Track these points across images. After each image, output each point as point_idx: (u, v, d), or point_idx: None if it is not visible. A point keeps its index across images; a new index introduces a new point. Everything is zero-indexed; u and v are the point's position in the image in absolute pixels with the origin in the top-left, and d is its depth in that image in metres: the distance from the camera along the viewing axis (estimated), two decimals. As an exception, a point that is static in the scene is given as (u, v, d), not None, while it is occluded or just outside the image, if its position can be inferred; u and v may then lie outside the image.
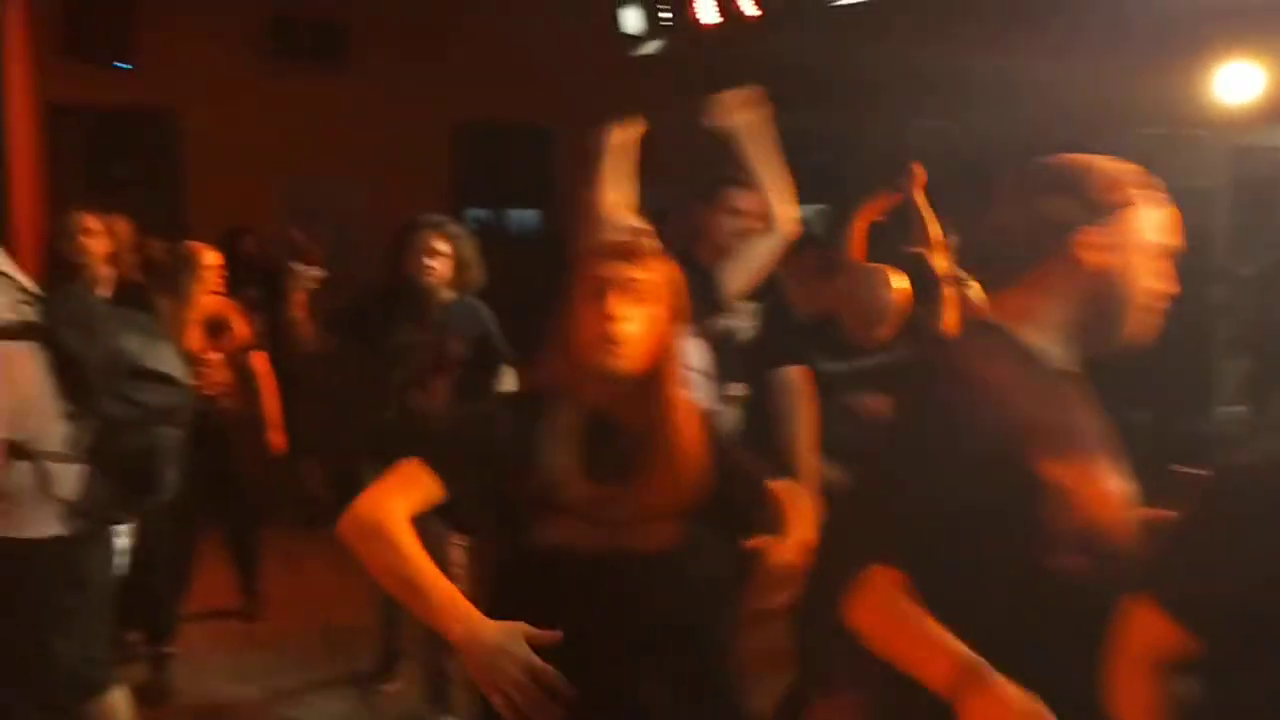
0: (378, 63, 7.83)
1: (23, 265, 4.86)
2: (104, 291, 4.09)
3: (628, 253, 1.97)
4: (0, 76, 5.22)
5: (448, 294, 3.89)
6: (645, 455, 1.91)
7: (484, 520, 2.01)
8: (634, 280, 1.92)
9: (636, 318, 1.90)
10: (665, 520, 1.92)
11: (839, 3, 5.31)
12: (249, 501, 5.01)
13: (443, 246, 3.87)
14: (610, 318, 1.88)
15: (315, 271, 4.17)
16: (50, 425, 2.55)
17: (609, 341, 1.88)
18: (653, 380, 1.94)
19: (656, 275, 1.96)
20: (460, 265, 3.92)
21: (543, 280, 6.22)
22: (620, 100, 8.03)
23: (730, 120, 3.49)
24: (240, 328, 4.73)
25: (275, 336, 5.98)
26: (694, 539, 1.94)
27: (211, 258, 4.64)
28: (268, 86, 7.61)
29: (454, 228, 3.99)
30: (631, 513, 1.89)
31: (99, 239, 4.20)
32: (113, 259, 4.36)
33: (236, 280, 5.81)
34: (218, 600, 4.95)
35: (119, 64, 6.76)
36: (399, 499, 1.88)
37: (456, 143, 8.40)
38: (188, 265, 4.52)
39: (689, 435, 1.95)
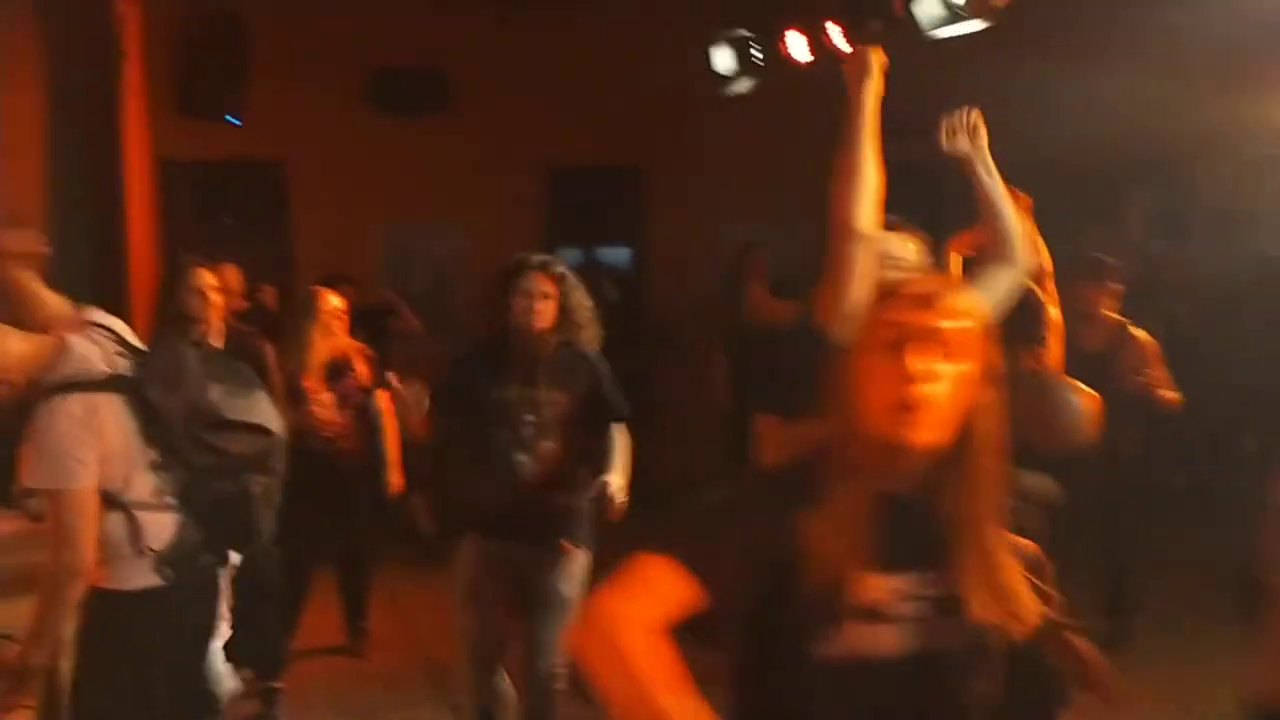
0: (475, 109, 8.00)
1: (137, 312, 5.09)
2: (216, 341, 4.20)
3: (931, 296, 1.57)
4: (119, 134, 5.48)
5: (554, 342, 3.55)
6: (956, 540, 1.57)
7: (742, 630, 1.59)
8: (941, 331, 1.54)
9: (944, 377, 1.53)
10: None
11: (938, 34, 5.24)
12: (362, 541, 5.10)
13: (547, 289, 3.53)
14: (911, 378, 1.52)
15: (415, 392, 3.80)
16: (139, 475, 2.62)
17: (909, 408, 1.52)
18: (962, 452, 1.57)
19: (968, 322, 1.57)
20: (566, 310, 3.57)
21: (635, 319, 6.21)
22: (712, 139, 8.14)
23: (961, 144, 3.05)
24: (362, 369, 4.85)
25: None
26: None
27: (334, 301, 4.80)
28: (370, 136, 7.83)
29: (560, 268, 3.63)
30: (946, 606, 1.56)
31: (214, 293, 4.33)
32: (224, 309, 4.50)
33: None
34: (325, 637, 5.04)
35: (230, 119, 7.01)
36: (646, 610, 1.51)
37: (551, 185, 8.53)
38: (309, 309, 4.70)
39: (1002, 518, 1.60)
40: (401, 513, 6.18)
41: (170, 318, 4.30)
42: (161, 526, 2.65)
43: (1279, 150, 8.30)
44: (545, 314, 3.51)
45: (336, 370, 4.75)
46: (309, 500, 4.23)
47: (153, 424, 2.61)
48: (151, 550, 2.64)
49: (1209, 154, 8.68)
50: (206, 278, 4.33)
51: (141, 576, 2.65)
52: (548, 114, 8.01)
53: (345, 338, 4.91)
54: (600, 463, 3.60)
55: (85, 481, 2.51)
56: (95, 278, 5.68)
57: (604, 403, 3.63)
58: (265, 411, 2.83)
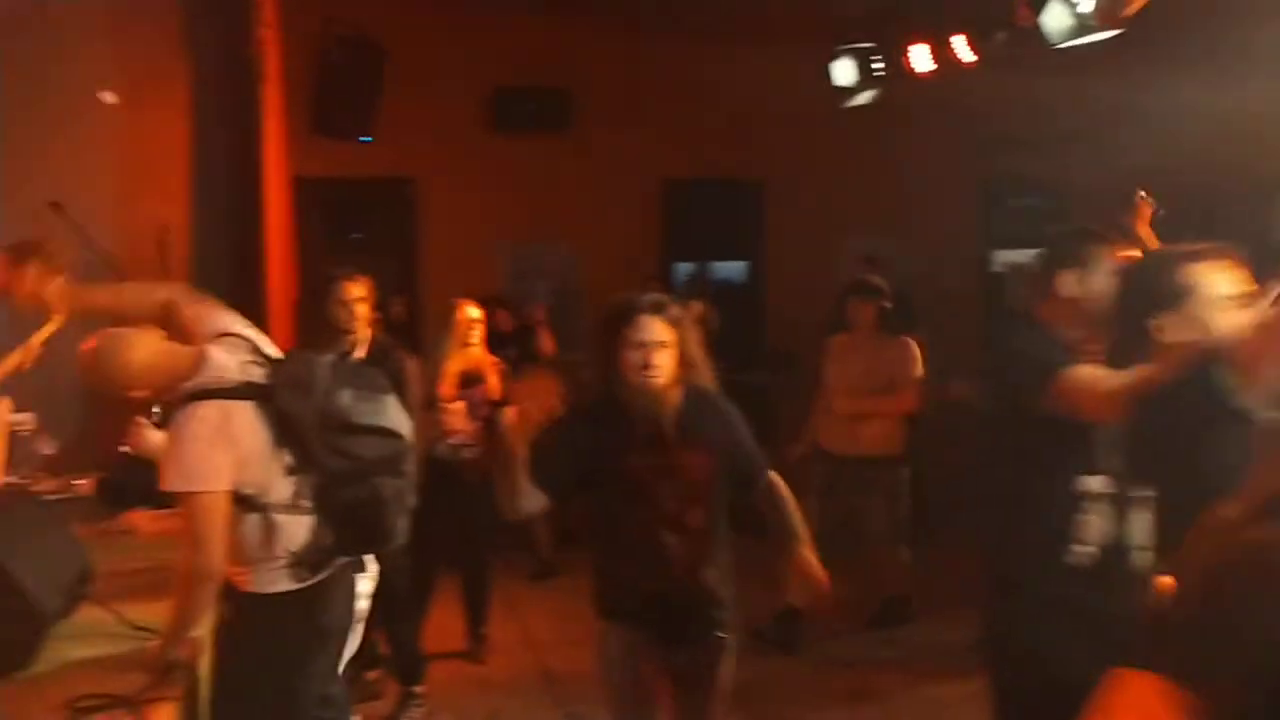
0: (597, 127, 8.11)
1: (274, 320, 5.30)
2: (360, 351, 4.31)
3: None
4: (258, 152, 5.72)
5: (675, 394, 2.97)
6: None
7: None
8: None
9: None
10: None
11: (1064, 45, 5.14)
12: (483, 549, 5.21)
13: (664, 335, 2.93)
14: None
15: None
16: (275, 479, 2.71)
17: None
18: None
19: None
20: (686, 355, 2.99)
21: (751, 336, 6.18)
22: (832, 152, 8.10)
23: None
24: (493, 381, 4.98)
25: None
26: None
27: (471, 313, 4.97)
28: (494, 154, 8.01)
29: (675, 310, 3.03)
30: None
31: (360, 304, 4.44)
32: (371, 320, 4.60)
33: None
34: (446, 643, 5.15)
35: (362, 139, 7.25)
36: None
37: (669, 200, 8.59)
38: (447, 320, 4.87)
39: None
40: (525, 533, 6.33)
41: (319, 328, 4.43)
42: (298, 529, 2.74)
43: None
44: (664, 366, 2.92)
45: (469, 380, 4.88)
46: (434, 506, 4.35)
47: (285, 430, 2.70)
48: (288, 552, 2.73)
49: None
50: (353, 290, 4.43)
51: (279, 578, 2.75)
52: (668, 130, 8.08)
53: (481, 349, 5.05)
54: (759, 526, 3.13)
55: (218, 485, 2.61)
56: (234, 287, 5.94)
57: (747, 455, 3.09)
58: (394, 416, 2.89)
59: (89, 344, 2.71)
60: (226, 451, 2.61)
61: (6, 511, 2.92)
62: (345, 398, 2.79)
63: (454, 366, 4.94)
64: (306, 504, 2.75)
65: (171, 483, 2.60)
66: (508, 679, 5.03)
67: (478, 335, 5.06)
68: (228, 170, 5.85)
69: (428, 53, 7.65)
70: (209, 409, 2.63)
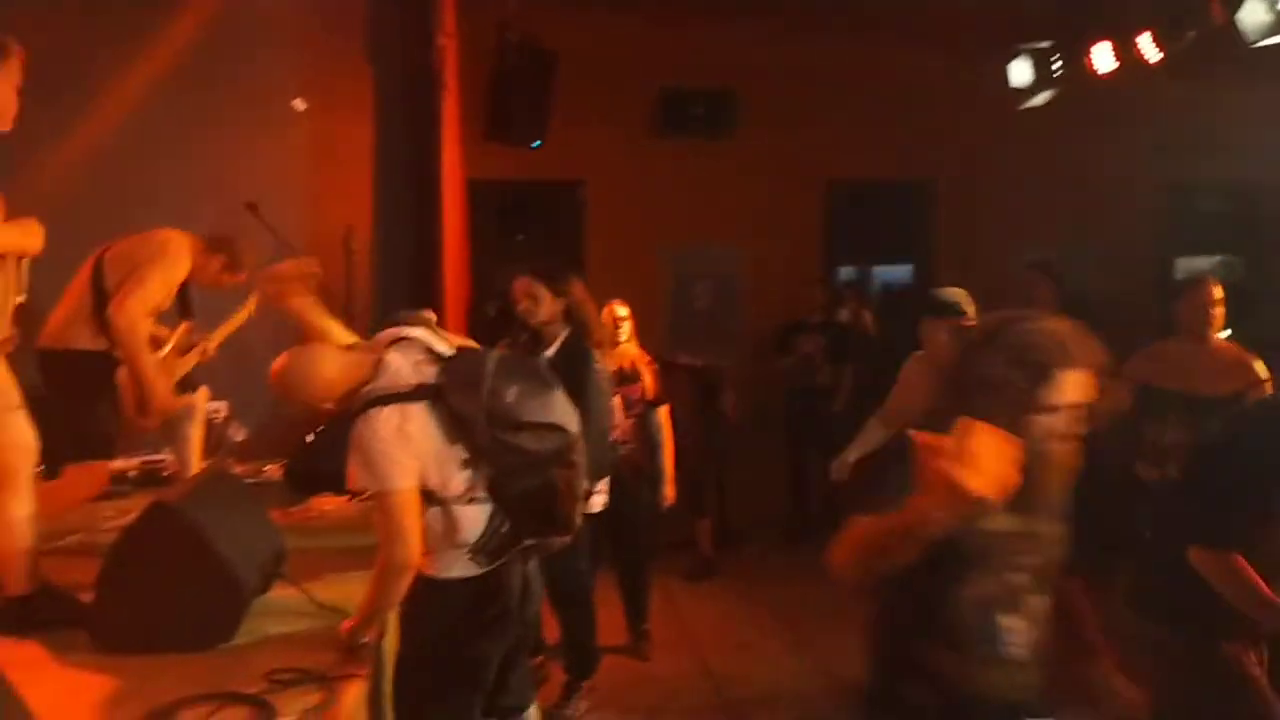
0: (763, 128, 8.10)
1: (450, 318, 5.48)
2: (547, 349, 4.41)
3: None
4: (437, 157, 5.94)
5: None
6: None
7: None
8: None
9: None
10: None
11: (1260, 43, 4.88)
12: (639, 545, 5.28)
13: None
14: None
15: None
16: (452, 474, 2.82)
17: None
18: None
19: None
20: None
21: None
22: (1003, 153, 7.88)
23: None
24: (648, 380, 5.05)
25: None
26: None
27: (619, 311, 5.07)
28: (661, 156, 8.08)
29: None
30: None
31: (547, 303, 4.52)
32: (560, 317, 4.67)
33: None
34: (608, 638, 5.23)
35: (533, 143, 7.42)
36: None
37: (835, 202, 8.50)
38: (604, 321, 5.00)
39: None
40: (678, 524, 6.39)
41: (502, 326, 4.56)
42: (476, 519, 2.86)
43: None
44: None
45: (623, 378, 4.96)
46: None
47: (457, 427, 2.81)
48: (468, 541, 2.85)
49: None
50: (542, 292, 4.40)
51: (459, 566, 2.87)
52: (833, 131, 8.01)
53: (635, 347, 5.13)
54: None
55: (405, 482, 2.74)
56: (413, 286, 6.19)
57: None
58: (561, 410, 2.98)
59: (279, 363, 2.85)
60: (407, 451, 2.74)
61: (210, 492, 3.10)
62: (511, 394, 2.87)
63: (607, 364, 5.01)
64: (482, 495, 2.86)
65: (362, 484, 2.74)
66: (669, 676, 5.08)
67: (627, 332, 5.14)
68: (408, 174, 6.08)
69: (597, 56, 7.77)
70: (388, 412, 2.75)
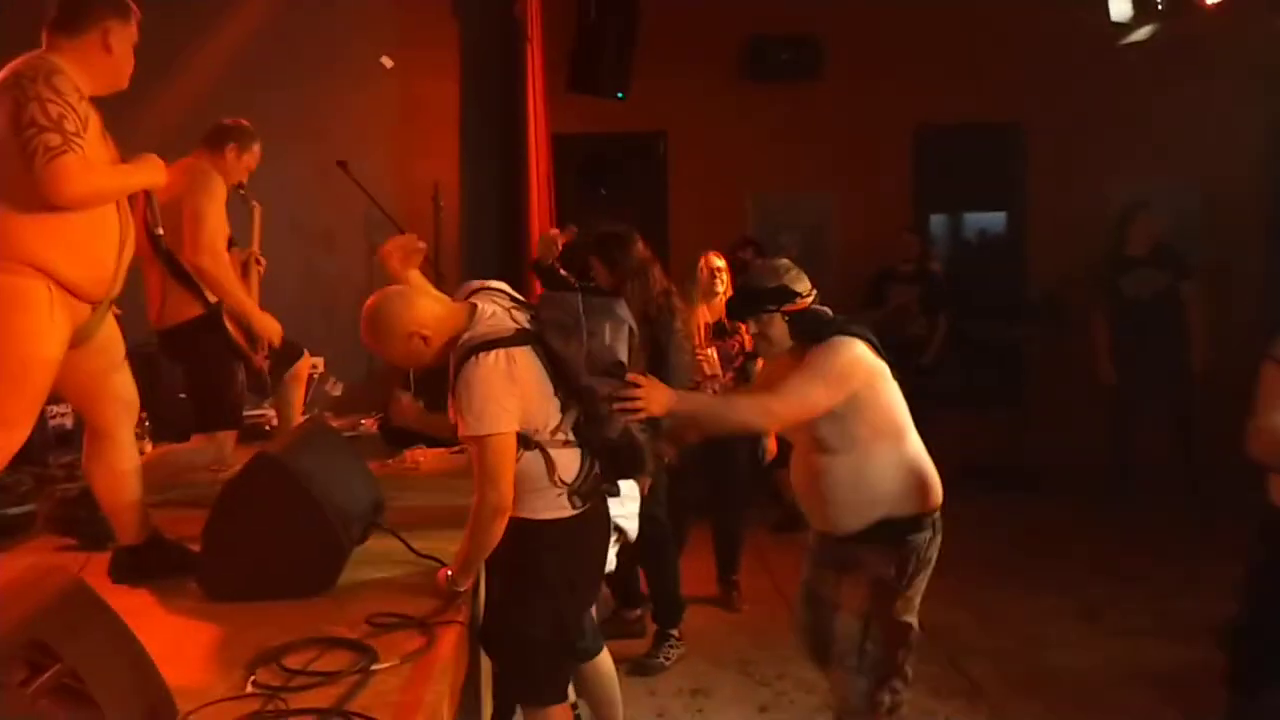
0: (850, 74, 7.95)
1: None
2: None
3: None
4: (523, 111, 5.95)
5: None
6: None
7: None
8: None
9: None
10: None
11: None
12: (735, 498, 5.28)
13: None
14: None
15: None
16: (551, 416, 2.87)
17: None
18: None
19: None
20: None
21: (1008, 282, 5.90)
22: (1099, 92, 7.61)
23: None
24: (746, 333, 5.04)
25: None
26: None
27: (716, 263, 5.05)
28: (745, 105, 7.99)
29: None
30: None
31: (603, 275, 4.50)
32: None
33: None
34: (699, 588, 5.27)
35: (617, 95, 7.39)
36: None
37: (925, 147, 8.31)
38: (694, 271, 4.97)
39: None
40: (771, 479, 6.38)
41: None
42: (571, 461, 2.91)
43: None
44: None
45: (721, 331, 4.95)
46: (691, 454, 4.46)
47: (557, 370, 2.86)
48: (563, 482, 2.89)
49: None
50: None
51: (554, 507, 2.91)
52: (921, 75, 7.82)
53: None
54: None
55: (506, 426, 2.78)
56: (500, 241, 6.23)
57: None
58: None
59: (371, 300, 2.91)
60: (513, 395, 2.77)
61: (310, 445, 3.18)
62: (606, 334, 2.92)
63: (703, 317, 5.03)
64: (573, 437, 2.90)
65: (467, 428, 2.77)
66: (758, 626, 5.10)
67: (723, 284, 5.11)
68: (493, 129, 6.11)
69: (681, 6, 7.69)
70: (494, 356, 2.78)
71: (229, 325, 3.97)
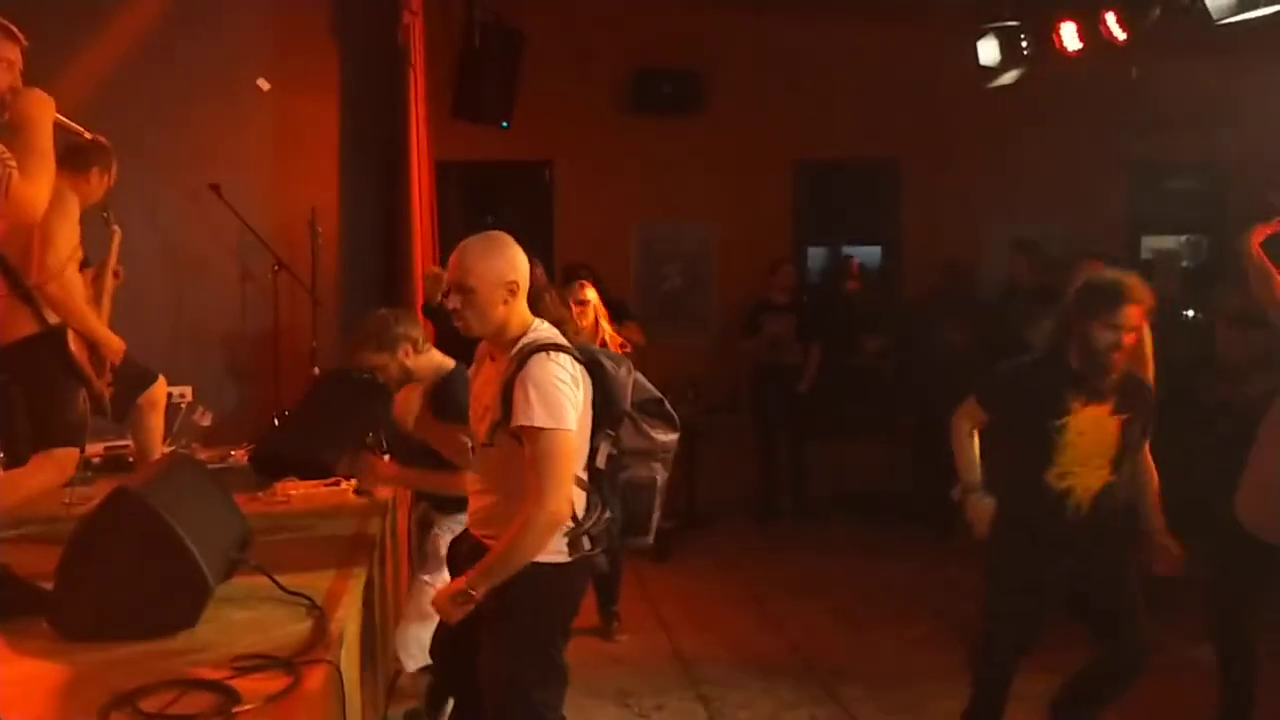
0: (731, 108, 8.09)
1: (421, 301, 5.44)
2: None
3: None
4: (403, 137, 5.88)
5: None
6: None
7: None
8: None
9: None
10: None
11: (1226, 20, 4.88)
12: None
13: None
14: None
15: None
16: (586, 444, 2.81)
17: None
18: None
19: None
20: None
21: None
22: (970, 131, 7.89)
23: None
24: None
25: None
26: None
27: (590, 294, 5.06)
28: (629, 136, 8.05)
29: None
30: None
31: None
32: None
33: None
34: (579, 620, 5.22)
35: (501, 123, 7.38)
36: None
37: (803, 181, 8.50)
38: (564, 298, 4.95)
39: None
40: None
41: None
42: (584, 501, 2.83)
43: None
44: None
45: None
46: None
47: (605, 396, 2.81)
48: (577, 522, 2.80)
49: None
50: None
51: (559, 547, 2.80)
52: (801, 111, 8.01)
53: (608, 329, 5.10)
54: None
55: (574, 425, 2.71)
56: (381, 269, 6.15)
57: None
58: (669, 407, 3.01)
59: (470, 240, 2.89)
60: (575, 401, 2.72)
61: (172, 478, 3.07)
62: (643, 378, 2.91)
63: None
64: (591, 477, 2.84)
65: (536, 419, 2.66)
66: (639, 657, 5.10)
67: (591, 316, 5.07)
68: (374, 155, 6.03)
69: (565, 37, 7.74)
70: (566, 359, 2.75)
71: (73, 346, 3.82)
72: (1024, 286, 7.04)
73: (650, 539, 3.05)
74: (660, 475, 2.94)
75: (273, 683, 2.45)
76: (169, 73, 5.79)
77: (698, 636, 5.38)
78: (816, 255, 9.01)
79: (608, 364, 2.84)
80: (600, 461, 2.82)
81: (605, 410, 2.82)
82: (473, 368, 3.11)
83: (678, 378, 6.90)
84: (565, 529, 2.78)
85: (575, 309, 4.90)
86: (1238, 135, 7.24)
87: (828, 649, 5.21)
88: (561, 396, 2.69)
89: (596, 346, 4.21)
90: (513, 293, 2.81)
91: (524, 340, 2.81)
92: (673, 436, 2.98)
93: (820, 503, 7.68)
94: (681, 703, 4.59)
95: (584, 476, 2.83)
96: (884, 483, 7.70)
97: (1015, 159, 7.86)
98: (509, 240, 2.87)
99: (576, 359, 2.79)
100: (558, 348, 2.76)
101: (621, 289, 7.32)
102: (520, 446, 2.73)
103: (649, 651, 5.17)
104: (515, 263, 2.84)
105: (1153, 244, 8.77)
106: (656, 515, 3.00)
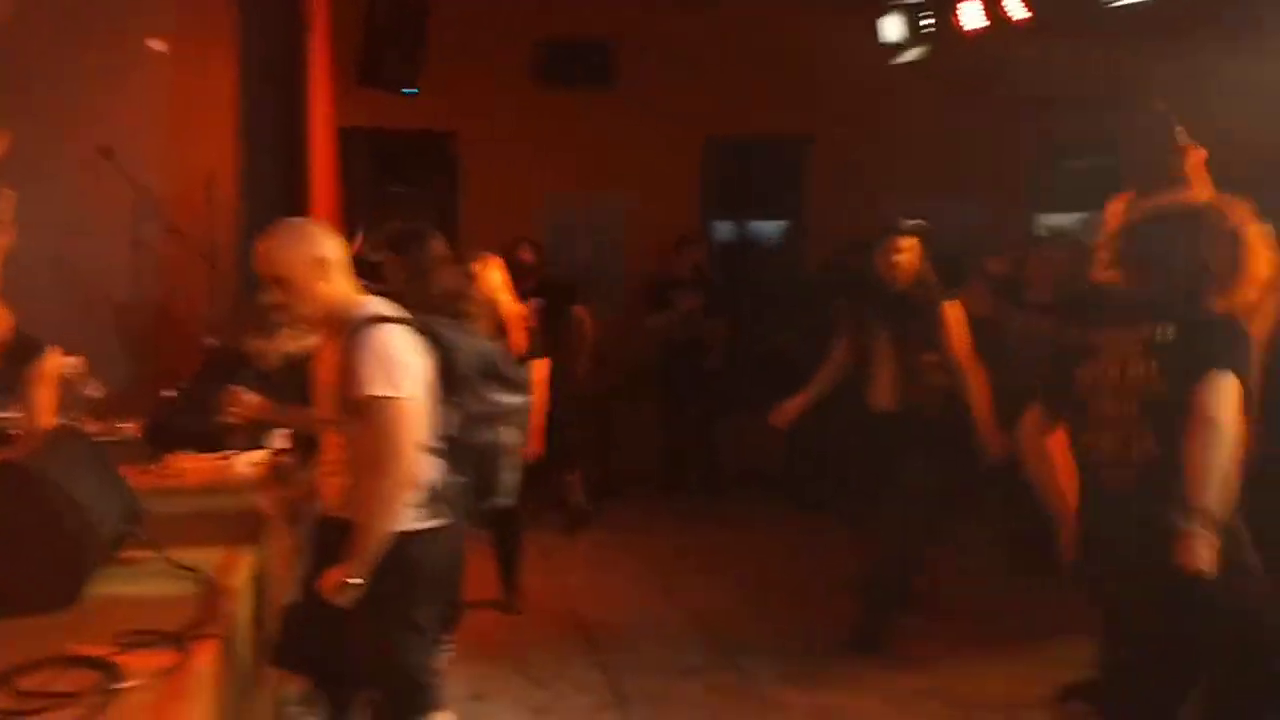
0: (639, 82, 8.06)
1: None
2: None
3: None
4: (304, 102, 5.76)
5: None
6: None
7: None
8: None
9: None
10: None
11: (1118, 3, 5.02)
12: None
13: None
14: None
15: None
16: (429, 413, 2.80)
17: None
18: None
19: None
20: None
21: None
22: (878, 110, 7.99)
23: None
24: (516, 336, 4.99)
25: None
26: None
27: (491, 268, 4.99)
28: (536, 108, 7.99)
29: None
30: None
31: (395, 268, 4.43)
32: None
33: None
34: (481, 592, 5.23)
35: (406, 90, 7.26)
36: None
37: (711, 156, 8.53)
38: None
39: None
40: (557, 486, 6.42)
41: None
42: (435, 467, 2.83)
43: None
44: None
45: (494, 335, 4.89)
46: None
47: (446, 365, 2.83)
48: (428, 488, 2.81)
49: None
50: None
51: (417, 515, 2.82)
52: (711, 86, 8.02)
53: (507, 302, 5.05)
54: None
55: (415, 392, 2.71)
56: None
57: None
58: (514, 366, 3.04)
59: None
60: (413, 368, 2.74)
61: (59, 450, 2.98)
62: (488, 343, 2.97)
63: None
64: (441, 444, 2.85)
65: (373, 387, 2.68)
66: (540, 628, 5.11)
67: (498, 290, 5.02)
68: (274, 119, 5.87)
69: (473, 5, 7.62)
70: (392, 329, 2.76)
71: None
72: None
73: (507, 502, 3.11)
74: (509, 438, 2.99)
75: (160, 659, 2.40)
76: (60, 32, 5.57)
77: (601, 607, 5.41)
78: (724, 230, 9.06)
79: (445, 333, 2.87)
80: (448, 429, 2.86)
81: (447, 378, 2.86)
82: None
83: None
84: (419, 497, 2.80)
85: (472, 282, 4.85)
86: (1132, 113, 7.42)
87: (731, 619, 5.28)
88: (398, 365, 2.72)
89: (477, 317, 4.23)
90: (325, 269, 2.82)
91: (356, 315, 2.82)
92: (517, 399, 3.03)
93: (728, 478, 7.75)
94: (581, 671, 4.62)
95: (434, 444, 2.84)
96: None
97: (920, 137, 7.98)
98: (308, 222, 2.98)
99: (415, 329, 2.83)
100: (391, 319, 2.79)
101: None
102: (364, 421, 2.74)
103: (551, 622, 5.19)
104: (318, 240, 2.86)
105: (1049, 222, 8.98)
106: (509, 478, 3.06)
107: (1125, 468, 2.88)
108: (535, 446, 5.06)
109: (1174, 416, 2.75)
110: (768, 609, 5.44)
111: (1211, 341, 2.78)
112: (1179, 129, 3.96)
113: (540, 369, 5.09)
